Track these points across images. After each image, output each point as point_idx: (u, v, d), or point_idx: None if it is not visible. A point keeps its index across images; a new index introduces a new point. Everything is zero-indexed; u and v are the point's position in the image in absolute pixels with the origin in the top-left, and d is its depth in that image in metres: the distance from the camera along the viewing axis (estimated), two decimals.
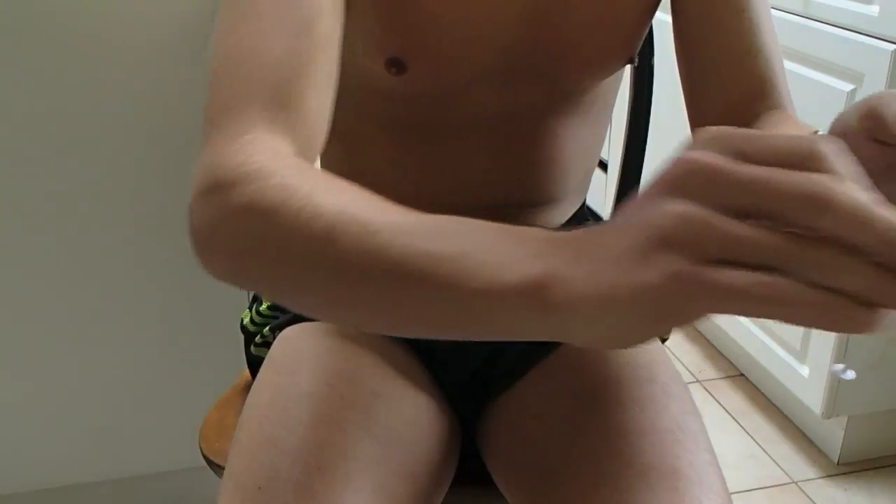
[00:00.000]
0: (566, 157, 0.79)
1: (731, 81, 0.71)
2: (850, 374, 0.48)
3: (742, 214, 0.33)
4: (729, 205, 0.33)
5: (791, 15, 1.57)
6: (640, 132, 0.99)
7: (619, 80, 0.82)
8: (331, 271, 0.44)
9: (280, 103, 0.53)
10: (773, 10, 1.61)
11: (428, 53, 0.68)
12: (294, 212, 0.45)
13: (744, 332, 1.80)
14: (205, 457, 0.87)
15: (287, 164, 0.49)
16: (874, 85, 1.38)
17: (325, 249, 0.43)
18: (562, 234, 0.39)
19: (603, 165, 2.40)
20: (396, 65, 0.68)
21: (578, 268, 0.37)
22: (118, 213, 1.23)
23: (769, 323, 1.72)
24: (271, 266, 0.47)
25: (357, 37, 0.68)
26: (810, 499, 1.58)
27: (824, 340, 1.56)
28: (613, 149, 2.32)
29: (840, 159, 0.33)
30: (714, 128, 0.36)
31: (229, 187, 0.48)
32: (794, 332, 1.64)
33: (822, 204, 0.32)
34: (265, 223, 0.46)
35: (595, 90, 0.78)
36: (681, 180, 0.34)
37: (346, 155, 0.82)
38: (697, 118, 0.74)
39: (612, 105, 0.84)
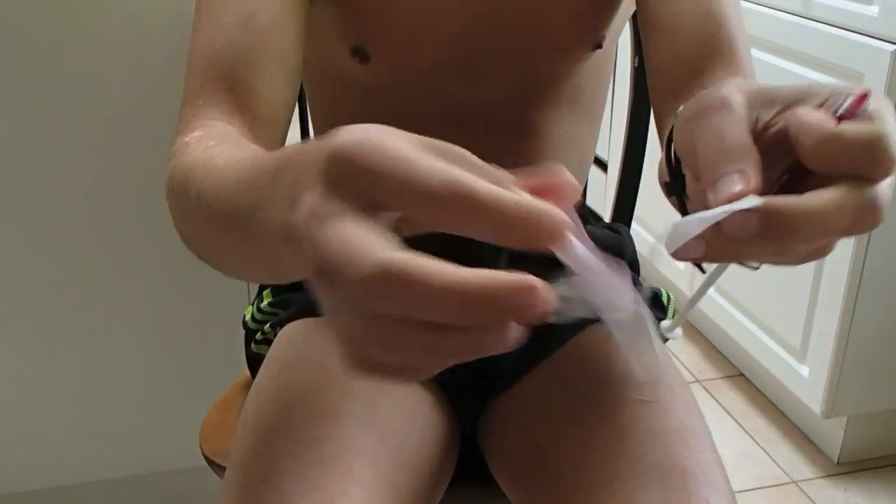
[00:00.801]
0: (552, 149, 0.79)
1: (682, 50, 0.68)
2: (678, 333, 0.49)
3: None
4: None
5: (791, 15, 1.57)
6: (640, 132, 0.99)
7: (605, 71, 0.82)
8: (200, 226, 0.52)
9: (224, 90, 0.62)
10: (773, 11, 1.62)
11: (388, 41, 0.71)
12: (183, 184, 0.53)
13: (744, 331, 1.80)
14: (205, 457, 0.87)
15: (199, 139, 0.57)
16: (874, 85, 1.38)
17: (196, 210, 0.51)
18: None
19: (603, 165, 2.40)
20: (360, 54, 0.71)
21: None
22: (118, 212, 1.23)
23: (769, 323, 1.72)
24: (184, 228, 0.57)
25: (323, 26, 0.72)
26: (810, 499, 1.59)
27: (824, 340, 1.56)
28: (613, 149, 2.32)
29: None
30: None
31: (169, 173, 0.58)
32: (793, 332, 1.64)
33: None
34: (172, 196, 0.56)
35: (574, 80, 0.78)
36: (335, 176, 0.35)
37: None
38: (656, 91, 0.71)
39: (603, 98, 0.84)
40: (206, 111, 0.61)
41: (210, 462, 0.86)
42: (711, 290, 1.91)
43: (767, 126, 0.43)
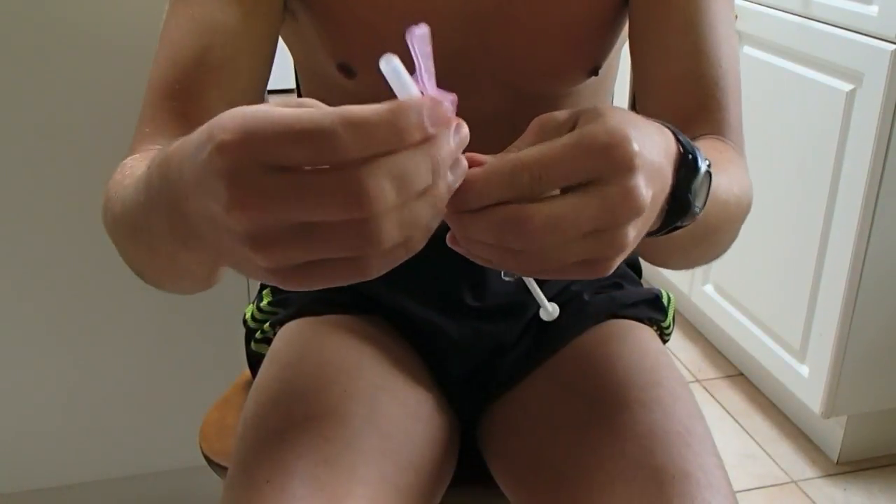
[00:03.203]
0: None
1: (667, 105, 0.69)
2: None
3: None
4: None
5: (791, 15, 1.57)
6: None
7: (606, 84, 0.81)
8: (123, 243, 0.58)
9: (172, 122, 0.63)
10: (772, 10, 1.61)
11: (371, 59, 0.70)
12: (110, 206, 0.58)
13: (743, 331, 1.80)
14: (205, 456, 0.87)
15: (131, 160, 0.61)
16: (874, 85, 1.38)
17: (115, 232, 0.57)
18: None
19: None
20: (345, 69, 0.71)
21: None
22: None
23: (769, 322, 1.72)
24: (118, 245, 0.60)
25: (311, 40, 0.72)
26: (810, 498, 1.59)
27: (824, 340, 1.56)
28: None
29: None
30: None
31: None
32: (793, 331, 1.64)
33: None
34: (105, 217, 0.60)
35: (574, 96, 0.77)
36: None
37: None
38: None
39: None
40: (152, 139, 0.63)
41: (210, 462, 0.86)
42: (710, 290, 1.91)
43: None
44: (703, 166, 0.50)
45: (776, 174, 1.64)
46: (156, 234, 0.47)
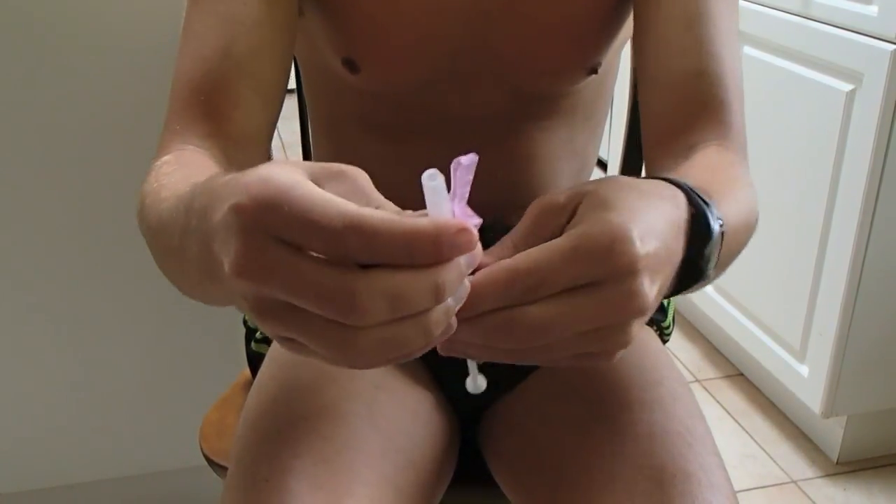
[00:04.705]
0: (549, 159, 0.79)
1: (668, 102, 0.68)
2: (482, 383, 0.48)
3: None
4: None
5: (791, 15, 1.57)
6: (639, 132, 0.99)
7: (606, 85, 0.81)
8: (156, 254, 0.56)
9: (201, 117, 0.63)
10: (772, 10, 1.61)
11: (376, 57, 0.71)
12: (140, 212, 0.57)
13: (743, 331, 1.80)
14: (205, 456, 0.87)
15: (163, 164, 0.59)
16: (874, 85, 1.38)
17: (149, 238, 0.56)
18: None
19: (603, 165, 2.41)
20: (350, 65, 0.72)
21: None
22: (118, 212, 1.23)
23: (769, 322, 1.72)
24: (153, 252, 0.58)
25: (316, 35, 0.73)
26: (809, 498, 1.59)
27: (824, 340, 1.56)
28: (613, 149, 2.32)
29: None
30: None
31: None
32: (793, 331, 1.64)
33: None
34: (140, 224, 0.58)
35: (574, 96, 0.77)
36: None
37: (334, 148, 0.83)
38: (645, 140, 0.71)
39: (605, 107, 0.84)
40: (183, 136, 0.63)
41: (210, 462, 0.86)
42: (710, 290, 1.91)
43: None
44: (715, 227, 0.49)
45: (776, 174, 1.64)
46: (188, 258, 0.46)
